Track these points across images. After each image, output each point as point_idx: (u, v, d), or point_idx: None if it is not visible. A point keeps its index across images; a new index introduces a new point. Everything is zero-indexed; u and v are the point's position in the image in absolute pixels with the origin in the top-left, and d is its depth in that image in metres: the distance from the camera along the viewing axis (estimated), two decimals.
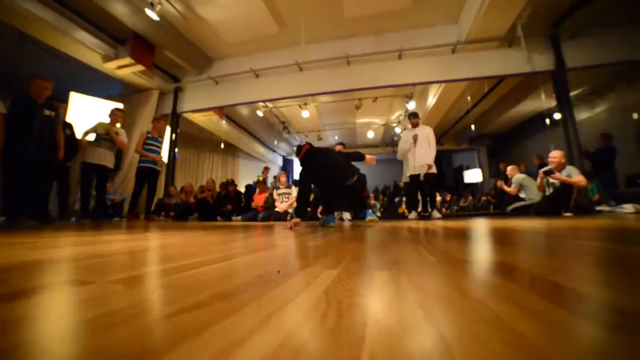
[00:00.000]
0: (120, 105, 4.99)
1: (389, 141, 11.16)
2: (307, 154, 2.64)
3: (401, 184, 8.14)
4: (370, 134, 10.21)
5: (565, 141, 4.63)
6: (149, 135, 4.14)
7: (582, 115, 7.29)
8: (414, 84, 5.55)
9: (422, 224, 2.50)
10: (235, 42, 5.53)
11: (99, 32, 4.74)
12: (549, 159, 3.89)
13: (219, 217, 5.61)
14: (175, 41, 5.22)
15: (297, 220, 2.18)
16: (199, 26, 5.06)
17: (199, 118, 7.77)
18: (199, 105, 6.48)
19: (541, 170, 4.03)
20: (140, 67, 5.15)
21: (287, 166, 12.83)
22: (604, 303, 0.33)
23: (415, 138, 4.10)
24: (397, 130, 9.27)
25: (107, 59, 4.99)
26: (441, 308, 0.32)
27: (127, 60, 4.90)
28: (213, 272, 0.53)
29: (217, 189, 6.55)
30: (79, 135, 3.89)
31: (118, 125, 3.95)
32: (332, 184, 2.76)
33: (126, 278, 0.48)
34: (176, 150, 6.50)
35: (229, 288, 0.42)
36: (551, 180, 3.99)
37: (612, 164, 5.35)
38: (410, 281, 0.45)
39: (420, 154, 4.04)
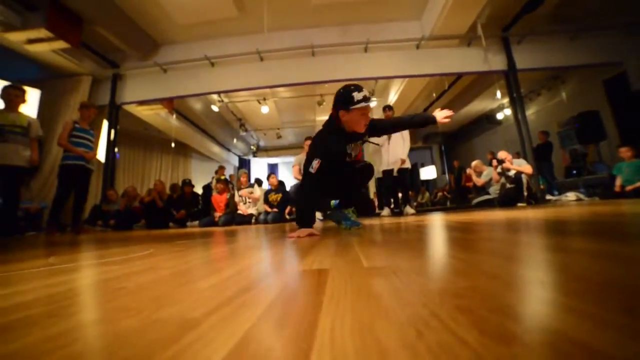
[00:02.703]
0: (33, 90, 3.98)
1: None
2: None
3: None
4: None
5: (518, 135, 4.95)
6: (77, 125, 3.33)
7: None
8: (379, 78, 5.50)
9: (409, 220, 2.34)
10: (187, 25, 4.89)
11: None
12: (505, 159, 4.23)
13: (171, 224, 4.91)
14: (111, 16, 4.40)
15: (308, 230, 1.32)
16: (143, 1, 4.34)
17: (143, 112, 6.83)
18: (144, 96, 5.63)
19: (494, 160, 4.37)
20: (62, 44, 4.15)
21: (243, 166, 12.09)
22: None
23: None
24: None
25: (8, 27, 3.86)
26: None
27: (43, 32, 3.88)
28: None
29: (167, 191, 5.79)
30: None
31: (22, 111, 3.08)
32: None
33: None
34: (116, 150, 5.55)
35: None
36: (508, 173, 4.30)
37: (550, 158, 5.99)
38: None
39: (395, 149, 3.94)
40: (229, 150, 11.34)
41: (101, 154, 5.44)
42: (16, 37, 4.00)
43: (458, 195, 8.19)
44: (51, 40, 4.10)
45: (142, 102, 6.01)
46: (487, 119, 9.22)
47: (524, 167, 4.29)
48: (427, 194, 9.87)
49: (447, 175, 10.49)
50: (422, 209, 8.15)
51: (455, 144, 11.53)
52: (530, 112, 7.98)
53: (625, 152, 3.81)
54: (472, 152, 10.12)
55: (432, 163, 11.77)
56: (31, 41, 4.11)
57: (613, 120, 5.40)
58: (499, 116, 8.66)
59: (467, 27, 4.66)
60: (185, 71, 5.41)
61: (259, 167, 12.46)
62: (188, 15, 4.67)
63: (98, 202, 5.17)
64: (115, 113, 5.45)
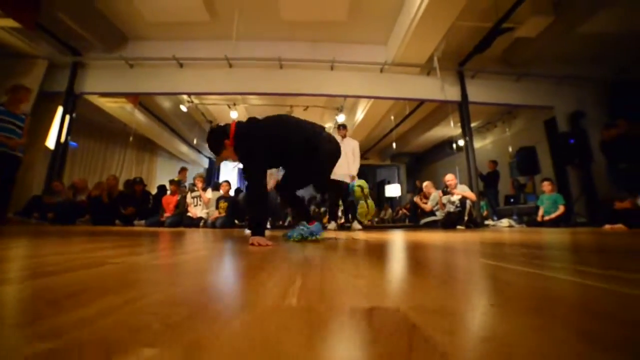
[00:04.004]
0: None
1: None
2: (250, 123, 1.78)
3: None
4: None
5: (466, 163, 5.32)
6: (2, 108, 3.15)
7: (476, 144, 8.73)
8: (344, 96, 5.74)
9: (345, 235, 2.47)
10: (157, 23, 4.88)
11: None
12: (447, 182, 4.47)
13: (117, 221, 4.74)
14: (75, 2, 4.30)
15: (259, 239, 1.33)
16: None
17: (107, 104, 6.62)
18: (107, 88, 5.49)
19: (439, 191, 4.65)
20: (11, 22, 3.92)
21: (213, 169, 11.88)
22: None
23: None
24: None
25: None
26: None
27: None
28: None
29: (121, 187, 5.59)
30: None
31: None
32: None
33: None
34: (68, 138, 5.31)
35: None
36: (452, 198, 4.58)
37: (496, 185, 6.49)
38: None
39: (343, 164, 4.09)
40: (199, 151, 11.14)
41: (52, 142, 5.18)
42: None
43: (414, 214, 8.56)
44: None
45: (104, 94, 5.84)
46: (449, 145, 9.80)
47: (467, 193, 4.60)
48: (389, 211, 10.21)
49: (408, 195, 10.92)
50: (381, 225, 8.43)
51: (421, 165, 12.09)
52: (488, 141, 8.64)
53: (546, 186, 4.25)
54: (435, 174, 10.63)
55: (399, 181, 12.22)
56: None
57: (550, 157, 5.97)
58: (460, 143, 9.23)
59: (425, 58, 5.03)
60: (153, 69, 5.36)
61: (229, 171, 12.28)
62: (157, 14, 4.67)
63: (40, 193, 4.90)
64: (72, 102, 5.25)
